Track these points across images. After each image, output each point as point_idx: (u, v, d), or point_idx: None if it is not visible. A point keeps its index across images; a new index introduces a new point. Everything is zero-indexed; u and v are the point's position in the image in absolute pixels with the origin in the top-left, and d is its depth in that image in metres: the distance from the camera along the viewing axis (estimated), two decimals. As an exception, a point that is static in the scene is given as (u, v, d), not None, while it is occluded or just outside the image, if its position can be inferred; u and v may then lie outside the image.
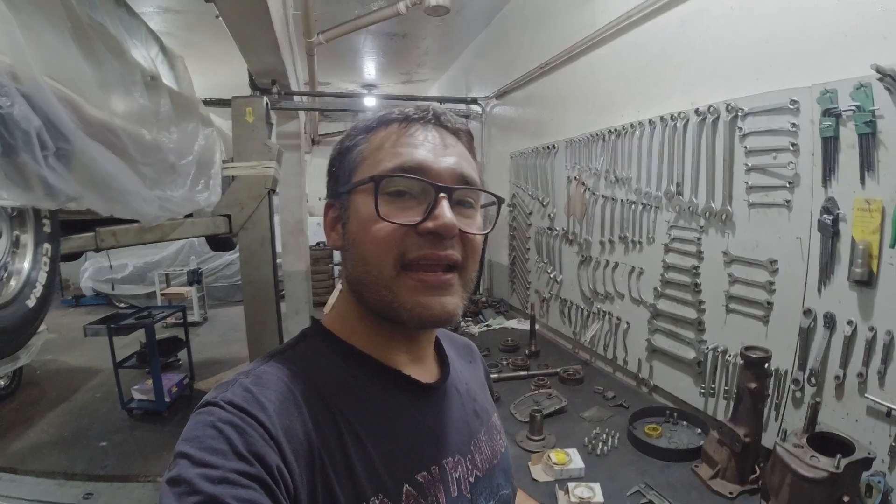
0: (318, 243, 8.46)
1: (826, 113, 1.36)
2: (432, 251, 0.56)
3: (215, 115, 3.71)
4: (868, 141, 1.27)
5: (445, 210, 0.56)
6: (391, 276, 0.56)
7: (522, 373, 2.38)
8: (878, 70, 1.20)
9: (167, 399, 4.05)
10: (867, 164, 1.28)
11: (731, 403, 1.69)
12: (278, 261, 5.96)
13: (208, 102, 3.80)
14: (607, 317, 2.48)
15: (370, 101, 5.60)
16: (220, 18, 2.78)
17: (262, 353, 0.61)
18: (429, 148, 0.59)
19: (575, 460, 1.57)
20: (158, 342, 4.22)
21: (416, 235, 0.56)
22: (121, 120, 1.93)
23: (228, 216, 3.17)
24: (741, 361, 1.49)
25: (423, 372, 0.66)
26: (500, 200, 0.67)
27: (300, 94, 4.65)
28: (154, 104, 2.31)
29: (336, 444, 0.53)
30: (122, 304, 7.93)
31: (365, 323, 0.62)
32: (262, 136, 3.33)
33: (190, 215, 2.89)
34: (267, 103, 3.44)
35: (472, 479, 0.64)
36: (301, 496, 0.48)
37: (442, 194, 0.56)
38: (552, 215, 3.04)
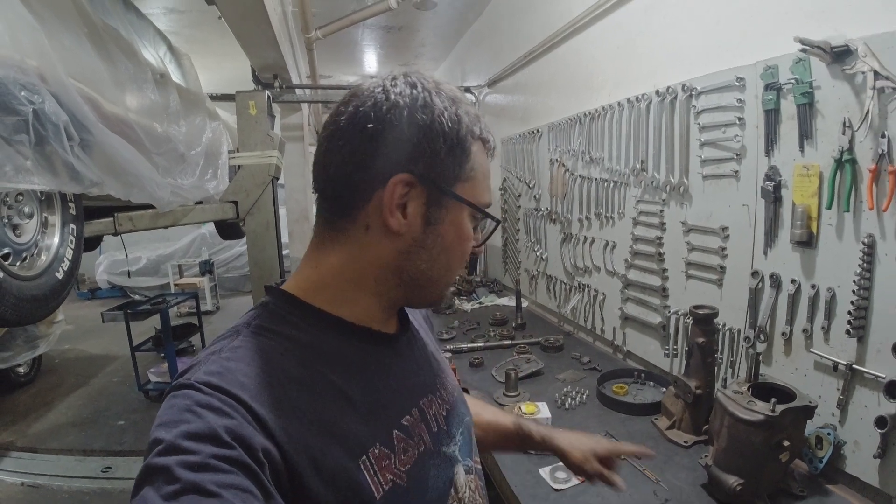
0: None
1: (768, 87, 1.45)
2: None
3: (222, 108, 3.88)
4: (806, 111, 1.35)
5: None
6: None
7: (507, 342, 2.54)
8: (801, 41, 1.26)
9: (182, 380, 4.26)
10: (805, 132, 1.36)
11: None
12: (286, 252, 6.17)
13: (215, 97, 3.94)
14: (586, 289, 2.64)
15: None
16: (222, 19, 2.95)
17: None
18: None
19: (543, 411, 1.70)
20: (173, 327, 4.44)
21: None
22: (135, 114, 2.08)
23: (235, 202, 3.38)
24: (691, 319, 1.63)
25: (389, 326, 0.69)
26: (498, 222, 0.75)
27: (302, 87, 4.81)
28: (164, 100, 2.47)
29: (325, 405, 0.53)
30: (136, 296, 7.95)
31: (364, 294, 0.63)
32: (265, 128, 3.52)
33: (200, 203, 3.08)
34: (269, 97, 3.61)
35: (444, 413, 0.70)
36: (301, 466, 0.48)
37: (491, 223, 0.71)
38: (538, 196, 3.19)
